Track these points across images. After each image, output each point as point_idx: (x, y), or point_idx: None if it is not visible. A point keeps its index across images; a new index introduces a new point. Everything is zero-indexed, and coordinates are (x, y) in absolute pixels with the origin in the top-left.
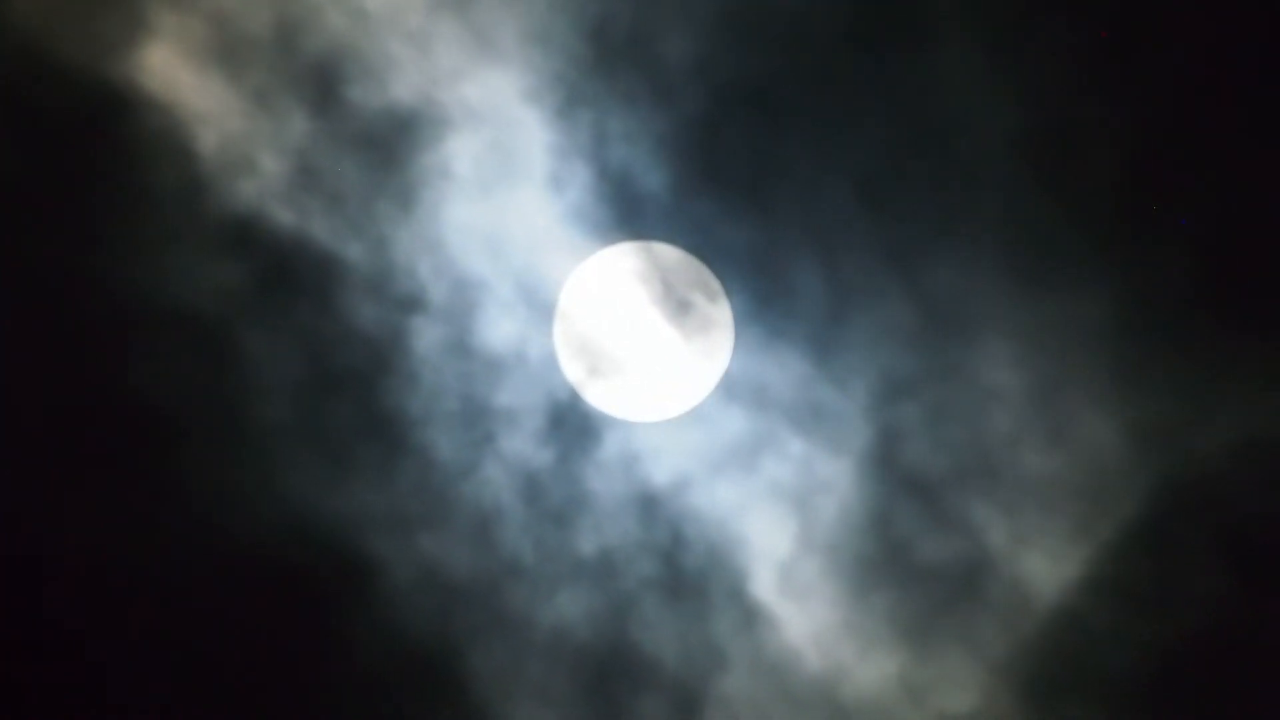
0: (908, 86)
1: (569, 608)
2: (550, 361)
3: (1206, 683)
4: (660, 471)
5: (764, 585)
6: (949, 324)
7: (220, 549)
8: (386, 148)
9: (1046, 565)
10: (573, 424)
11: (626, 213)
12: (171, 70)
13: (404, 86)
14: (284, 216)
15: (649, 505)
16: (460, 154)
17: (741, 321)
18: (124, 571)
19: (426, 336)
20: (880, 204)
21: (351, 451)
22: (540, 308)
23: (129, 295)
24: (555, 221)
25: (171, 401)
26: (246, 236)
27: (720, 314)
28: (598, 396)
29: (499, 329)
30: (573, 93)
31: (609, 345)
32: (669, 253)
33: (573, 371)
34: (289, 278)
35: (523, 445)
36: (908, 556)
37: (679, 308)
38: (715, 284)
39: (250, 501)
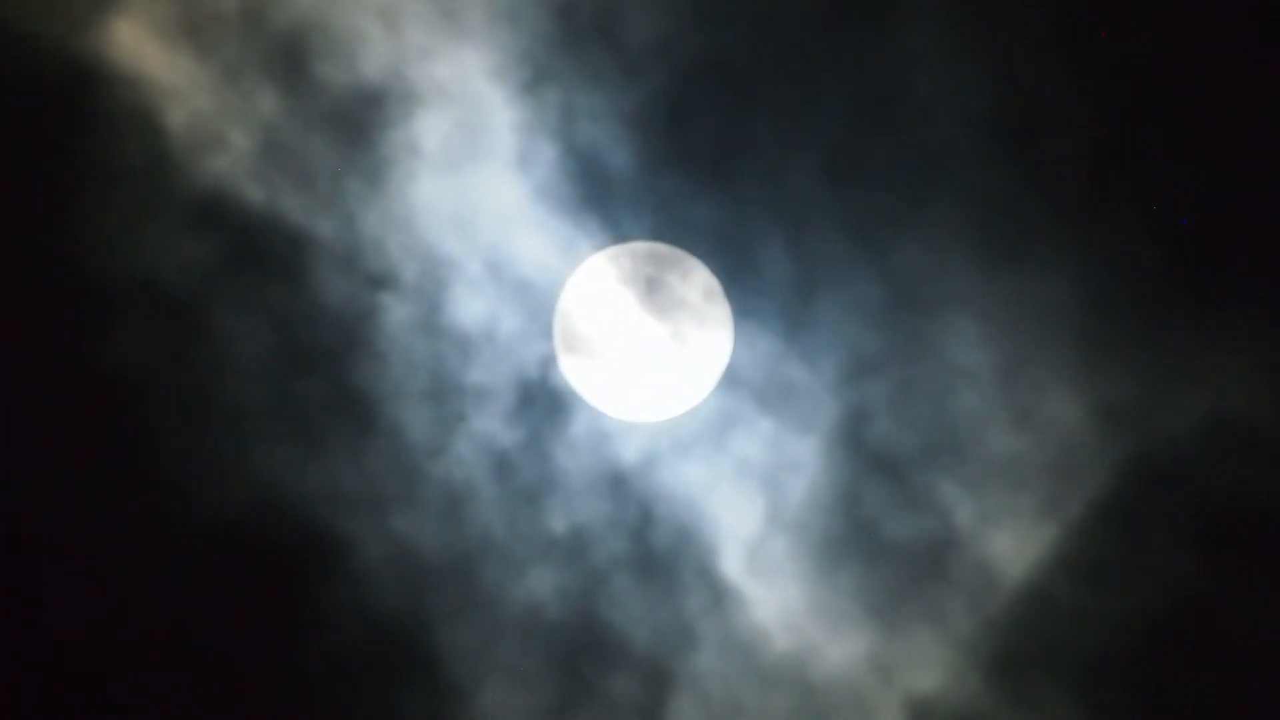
0: (875, 64)
1: (539, 586)
2: (520, 339)
3: (1174, 660)
4: (629, 449)
5: (732, 564)
6: (916, 302)
7: (188, 525)
8: (355, 124)
9: (1014, 544)
10: (542, 402)
11: (593, 191)
12: (139, 45)
13: (372, 63)
14: (253, 193)
15: (618, 484)
16: (428, 131)
17: (711, 300)
18: (91, 548)
19: (396, 314)
20: (847, 182)
21: (321, 429)
22: (509, 285)
23: (96, 271)
24: (522, 199)
25: (140, 378)
26: (215, 213)
27: (719, 313)
28: (598, 398)
29: (468, 307)
30: (539, 70)
31: (608, 346)
32: (668, 252)
33: (571, 371)
34: (258, 254)
35: (493, 423)
36: (875, 535)
37: (677, 309)
38: (715, 284)
39: (219, 478)
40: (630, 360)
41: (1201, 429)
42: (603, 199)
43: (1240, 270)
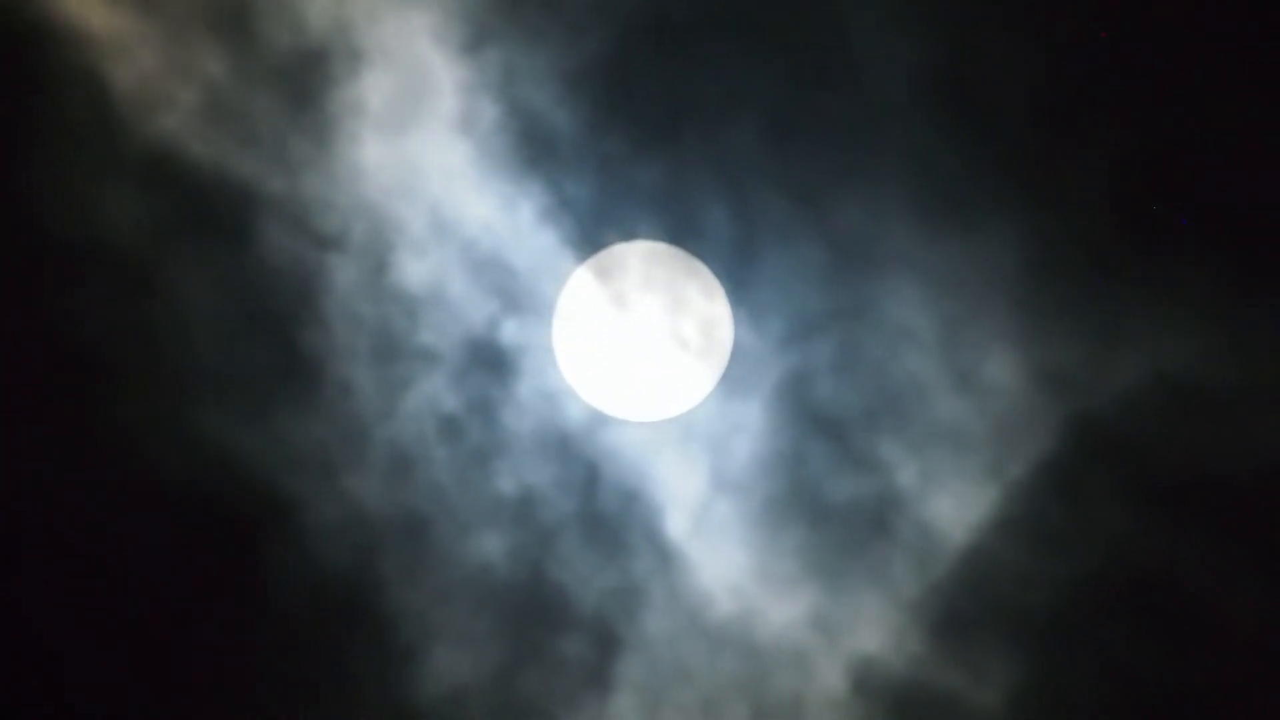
0: (815, 24)
1: (488, 547)
2: (467, 300)
3: (1116, 620)
4: (575, 409)
5: (678, 526)
6: (859, 264)
7: (135, 485)
8: (300, 84)
9: (957, 505)
10: (489, 362)
11: (536, 151)
12: (85, 4)
13: (316, 21)
14: (199, 152)
15: (564, 444)
16: (373, 91)
17: (651, 265)
18: (38, 507)
19: (343, 274)
20: (789, 142)
21: (269, 389)
22: (454, 246)
23: (42, 230)
24: (465, 159)
25: (87, 337)
26: (161, 172)
27: (719, 312)
28: (597, 398)
29: (415, 268)
30: (481, 30)
31: (607, 347)
32: (668, 252)
33: (571, 370)
34: (204, 214)
35: (440, 384)
36: (819, 497)
37: (678, 310)
38: (716, 285)
39: (166, 438)
40: (627, 358)
41: (1142, 390)
42: (545, 159)
43: (1180, 231)
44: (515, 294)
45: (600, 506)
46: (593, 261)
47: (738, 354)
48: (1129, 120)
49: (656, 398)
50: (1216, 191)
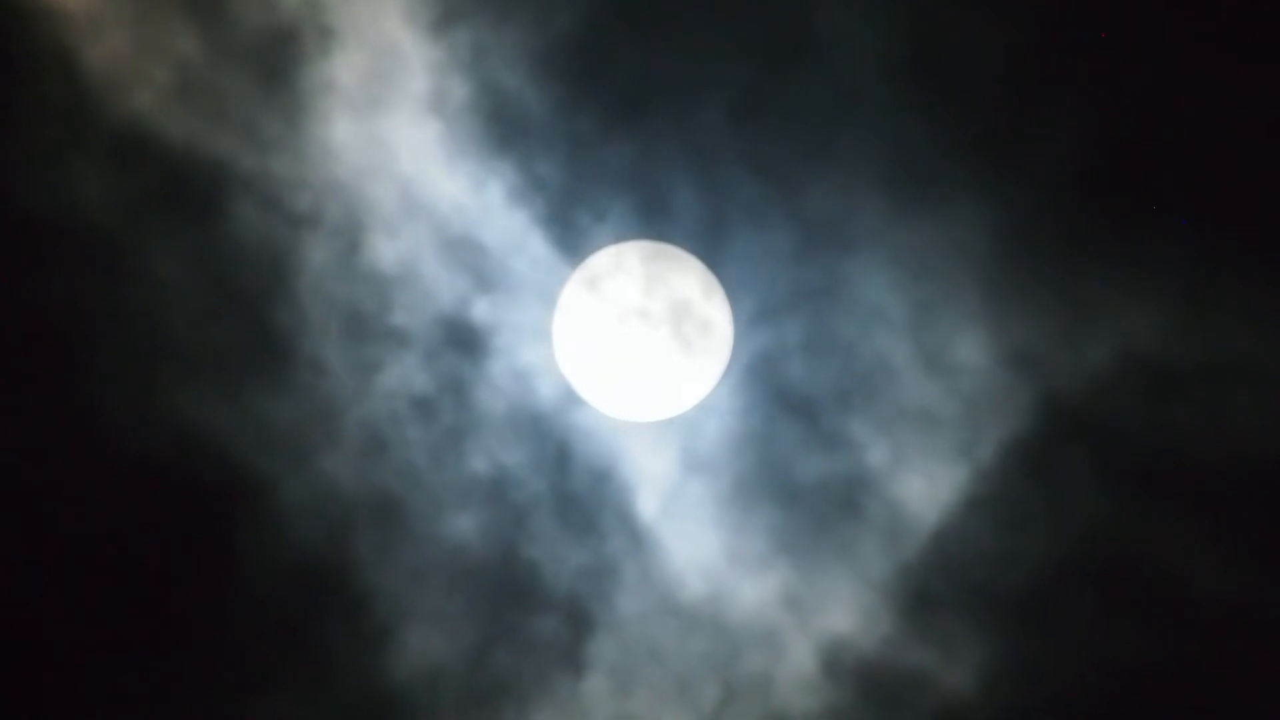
0: (784, 4)
1: (462, 526)
2: (438, 280)
3: (1085, 599)
4: (547, 388)
5: (648, 505)
6: (828, 244)
7: (107, 462)
8: (271, 63)
9: (926, 485)
10: (461, 342)
11: (507, 130)
12: None
13: (287, 0)
14: (171, 130)
15: (536, 423)
16: (344, 70)
17: (622, 241)
18: (8, 485)
19: (315, 253)
20: (758, 122)
21: (242, 367)
22: (426, 226)
23: (14, 208)
24: (436, 138)
25: (60, 314)
26: (133, 150)
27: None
28: (598, 398)
29: (386, 247)
30: (451, 10)
31: (608, 348)
32: (671, 253)
33: (571, 371)
34: (176, 192)
35: (412, 364)
36: (788, 477)
37: (679, 312)
38: (717, 286)
39: (138, 416)
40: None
41: (1111, 370)
42: (515, 139)
43: (1147, 212)
44: (487, 273)
45: (572, 486)
46: (586, 265)
47: (709, 334)
48: (1097, 101)
49: (647, 394)
50: (1185, 171)
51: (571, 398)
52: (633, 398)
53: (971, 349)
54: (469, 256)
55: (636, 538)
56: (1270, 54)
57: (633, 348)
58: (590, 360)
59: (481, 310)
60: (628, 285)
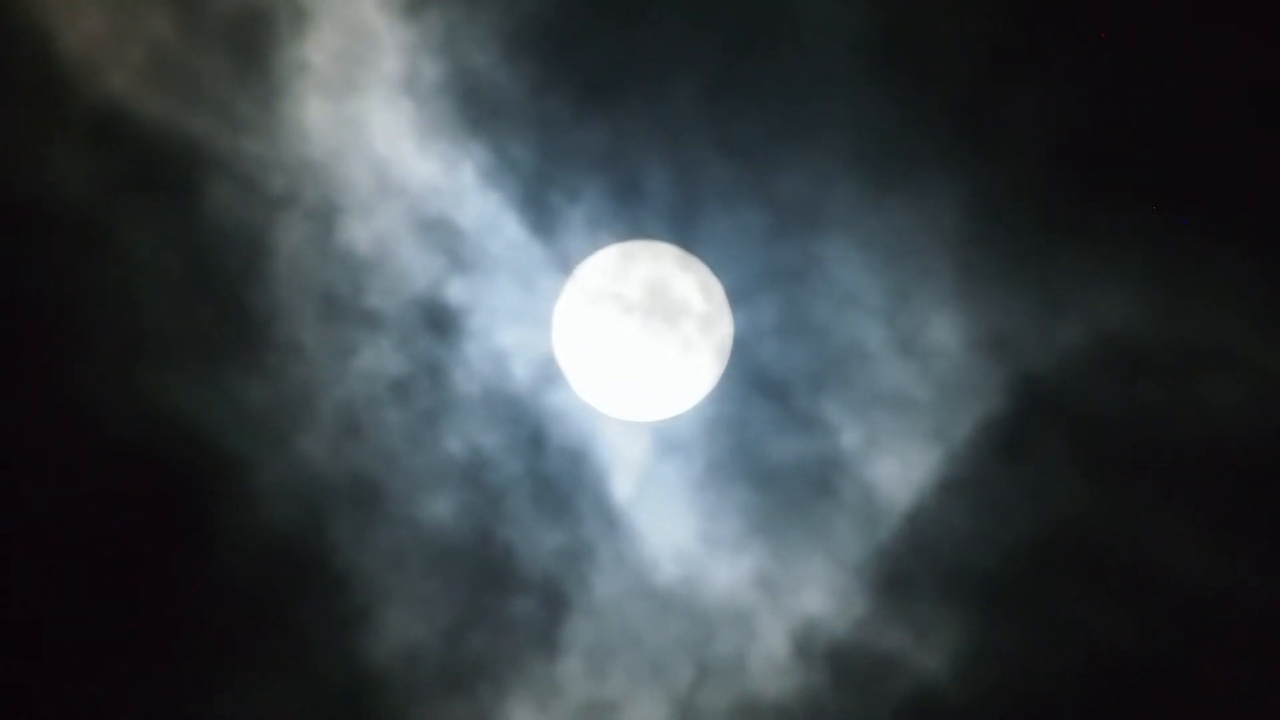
0: None
1: (438, 508)
2: (413, 262)
3: (1059, 581)
4: (521, 369)
5: (623, 487)
6: (801, 225)
7: (81, 444)
8: (246, 44)
9: (900, 467)
10: (436, 323)
11: (480, 112)
12: None
13: None
14: (145, 111)
15: (512, 405)
16: (317, 51)
17: (595, 223)
18: None
19: (290, 234)
20: (731, 103)
21: (217, 348)
22: (400, 207)
23: None
24: (409, 119)
25: (35, 296)
26: (107, 131)
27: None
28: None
29: (361, 228)
30: None
31: (607, 347)
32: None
33: (572, 370)
34: (150, 173)
35: (388, 346)
36: (762, 459)
37: (678, 310)
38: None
39: (113, 397)
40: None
41: (1085, 351)
42: (488, 120)
43: (1118, 194)
44: (461, 254)
45: (547, 468)
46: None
47: (682, 313)
48: (1070, 83)
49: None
50: (1158, 153)
51: (549, 380)
52: (613, 386)
53: (945, 331)
54: (443, 238)
55: (611, 520)
56: (1243, 36)
57: (609, 334)
58: (575, 346)
59: (456, 292)
60: (606, 271)
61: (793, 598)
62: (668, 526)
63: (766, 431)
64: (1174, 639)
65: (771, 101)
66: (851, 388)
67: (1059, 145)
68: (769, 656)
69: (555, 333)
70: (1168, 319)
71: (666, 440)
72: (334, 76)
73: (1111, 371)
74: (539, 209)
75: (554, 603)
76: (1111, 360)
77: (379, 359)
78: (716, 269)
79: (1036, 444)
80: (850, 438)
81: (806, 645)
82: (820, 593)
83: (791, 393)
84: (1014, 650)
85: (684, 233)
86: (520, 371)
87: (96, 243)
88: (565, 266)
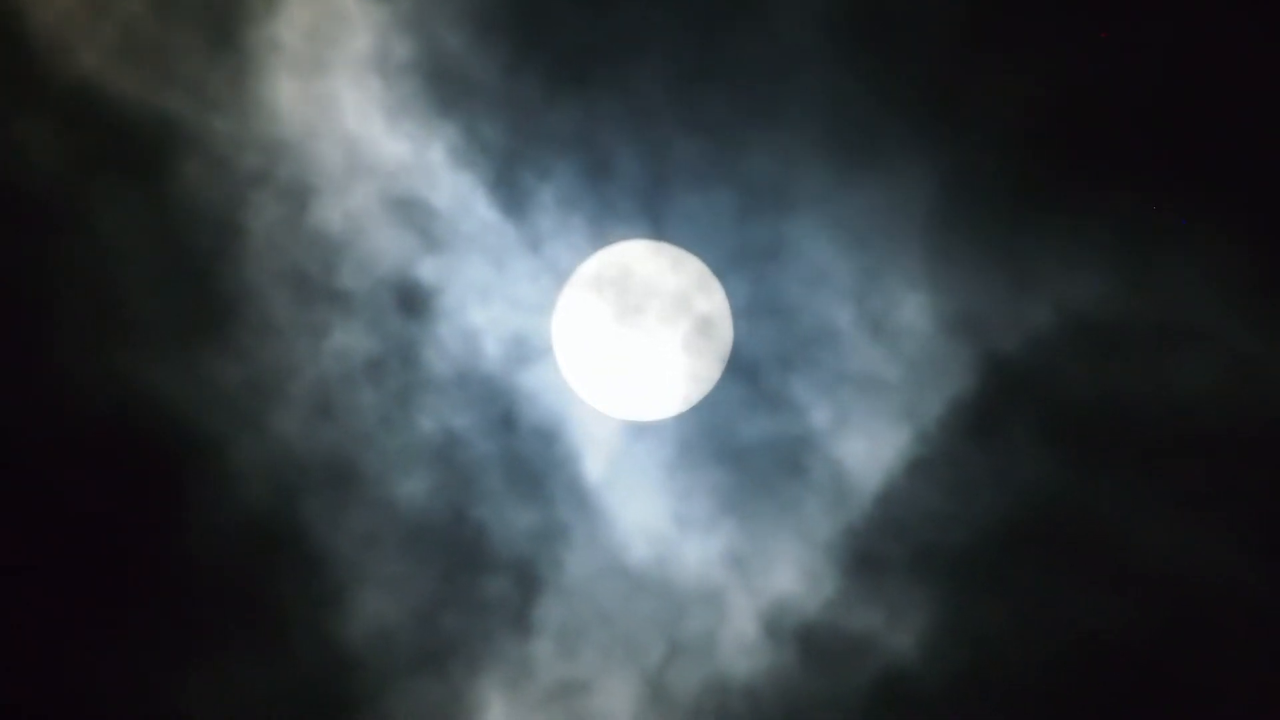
0: None
1: (412, 488)
2: (386, 242)
3: (1029, 559)
4: (493, 347)
5: (595, 467)
6: (771, 206)
7: (56, 424)
8: (218, 22)
9: (870, 446)
10: (408, 303)
11: (451, 92)
12: None
13: None
14: (118, 89)
15: (484, 384)
16: (289, 29)
17: (566, 206)
18: None
19: (264, 213)
20: (701, 84)
21: (191, 328)
22: (372, 186)
23: None
24: (381, 99)
25: (7, 276)
26: (79, 109)
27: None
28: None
29: (333, 207)
30: None
31: (606, 346)
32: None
33: (572, 369)
34: (124, 152)
35: (360, 325)
36: (732, 439)
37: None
38: (716, 284)
39: (87, 376)
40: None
41: (1052, 330)
42: (459, 100)
43: (1088, 174)
44: (433, 233)
45: (519, 448)
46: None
47: (653, 294)
48: (1039, 62)
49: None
50: (1127, 132)
51: (521, 360)
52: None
53: (914, 310)
54: (415, 217)
55: (583, 500)
56: (1217, 16)
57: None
58: (549, 328)
59: (428, 271)
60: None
61: (763, 578)
62: (639, 506)
63: (737, 412)
64: (1143, 618)
65: (741, 82)
66: (821, 367)
67: (1028, 126)
68: (739, 636)
69: (528, 314)
70: (1137, 298)
71: (638, 419)
72: (306, 56)
73: (1081, 351)
74: (510, 189)
75: (526, 582)
76: (1081, 340)
77: (351, 338)
78: (687, 250)
79: (1006, 423)
80: (820, 417)
81: (777, 624)
82: (791, 572)
83: (762, 373)
84: (983, 629)
85: (654, 214)
86: (492, 351)
87: (67, 221)
88: (536, 247)
